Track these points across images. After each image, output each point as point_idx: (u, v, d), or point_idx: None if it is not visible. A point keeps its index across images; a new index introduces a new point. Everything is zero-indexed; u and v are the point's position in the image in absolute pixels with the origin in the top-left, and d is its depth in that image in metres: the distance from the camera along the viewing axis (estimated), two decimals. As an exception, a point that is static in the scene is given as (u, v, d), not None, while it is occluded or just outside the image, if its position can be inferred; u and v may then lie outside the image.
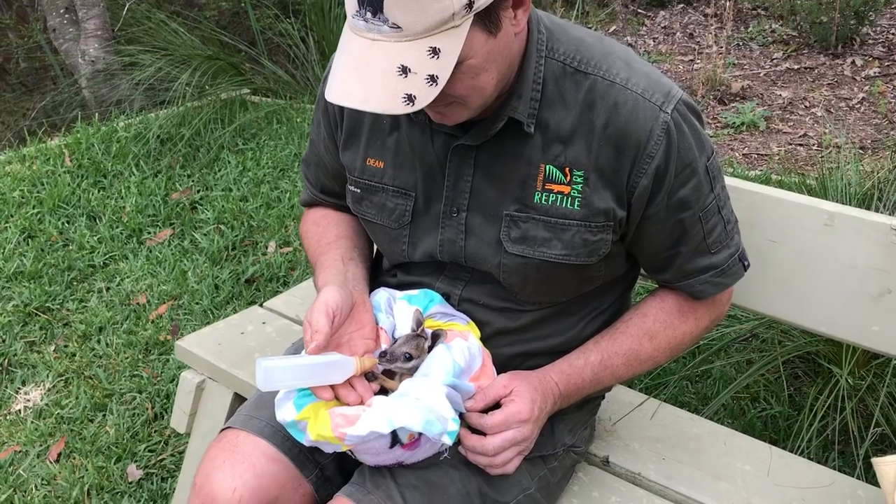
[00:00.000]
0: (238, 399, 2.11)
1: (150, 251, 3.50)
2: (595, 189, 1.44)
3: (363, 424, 1.37)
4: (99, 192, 4.00)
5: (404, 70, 1.19)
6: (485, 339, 1.60)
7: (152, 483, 2.48)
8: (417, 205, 1.56)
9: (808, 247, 1.80)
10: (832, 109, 5.44)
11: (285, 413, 1.48)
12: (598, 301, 1.64)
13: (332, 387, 1.42)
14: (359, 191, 1.63)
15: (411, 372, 1.49)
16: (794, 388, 2.69)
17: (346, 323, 1.49)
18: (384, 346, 1.52)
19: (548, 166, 1.45)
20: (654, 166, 1.41)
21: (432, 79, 1.20)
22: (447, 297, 1.61)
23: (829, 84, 5.80)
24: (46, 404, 2.78)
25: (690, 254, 1.52)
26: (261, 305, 2.37)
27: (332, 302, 1.43)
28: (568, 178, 1.45)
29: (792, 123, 5.29)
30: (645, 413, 2.01)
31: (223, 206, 3.72)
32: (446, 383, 1.44)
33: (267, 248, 3.47)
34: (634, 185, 1.43)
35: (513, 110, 1.42)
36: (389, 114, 1.19)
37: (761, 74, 5.98)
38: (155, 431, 2.66)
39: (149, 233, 3.62)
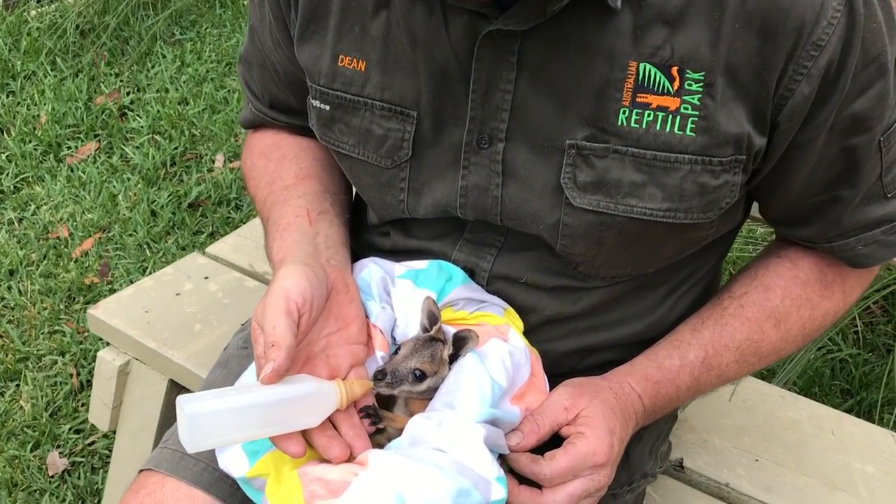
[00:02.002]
0: (175, 388, 1.59)
1: (72, 170, 3.01)
2: (723, 102, 0.88)
3: (356, 498, 0.85)
4: (7, 97, 3.37)
5: None
6: (528, 331, 1.07)
7: (79, 476, 1.99)
8: (422, 130, 1.00)
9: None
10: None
11: (231, 463, 0.97)
12: (692, 267, 1.11)
13: (305, 432, 0.89)
14: (327, 108, 1.06)
15: (424, 397, 0.96)
16: (863, 324, 2.22)
17: (320, 320, 0.95)
18: (380, 355, 0.98)
19: (643, 65, 0.89)
20: (824, 62, 0.86)
21: None
22: (470, 274, 1.06)
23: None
24: (-57, 374, 2.24)
25: (857, 199, 0.98)
26: (202, 252, 1.81)
27: (297, 293, 0.90)
28: (677, 83, 0.89)
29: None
30: (722, 391, 1.51)
31: (158, 111, 3.22)
32: (483, 419, 0.91)
33: (213, 162, 3.03)
34: (787, 93, 0.88)
35: None
36: None
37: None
38: (82, 405, 2.16)
39: (69, 147, 3.12)
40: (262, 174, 1.19)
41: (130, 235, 2.68)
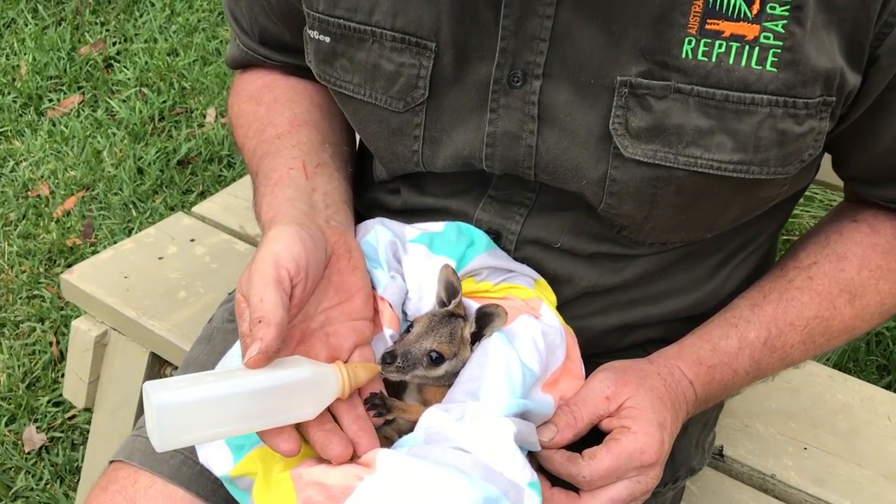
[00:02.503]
0: (157, 362, 1.45)
1: (54, 124, 2.83)
2: (813, 30, 0.72)
3: (360, 506, 0.70)
4: (-14, 46, 3.16)
5: None
6: (562, 306, 0.92)
7: (58, 453, 1.86)
8: (441, 65, 0.84)
9: None
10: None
11: (213, 459, 0.84)
12: (751, 232, 0.96)
13: (299, 426, 0.74)
14: (328, 39, 0.90)
15: (442, 383, 0.81)
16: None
17: (317, 291, 0.80)
18: (389, 334, 0.83)
19: None
20: None
21: None
22: (495, 237, 0.90)
23: None
24: (-87, 342, 2.10)
25: None
26: (187, 211, 1.65)
27: (290, 258, 0.76)
28: (756, 6, 0.73)
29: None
30: (763, 370, 1.36)
31: (146, 62, 3.04)
32: (512, 412, 0.77)
33: (204, 117, 2.86)
34: (893, 19, 0.71)
35: None
36: None
37: None
38: (62, 376, 2.01)
39: (51, 100, 2.95)
40: (251, 121, 1.03)
41: (115, 194, 2.53)
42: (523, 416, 0.80)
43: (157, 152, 2.65)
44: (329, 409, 0.77)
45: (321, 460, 0.77)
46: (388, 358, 0.79)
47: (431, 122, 0.87)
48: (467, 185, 0.91)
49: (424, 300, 0.86)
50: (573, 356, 0.87)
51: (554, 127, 0.81)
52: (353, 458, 0.76)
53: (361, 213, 0.99)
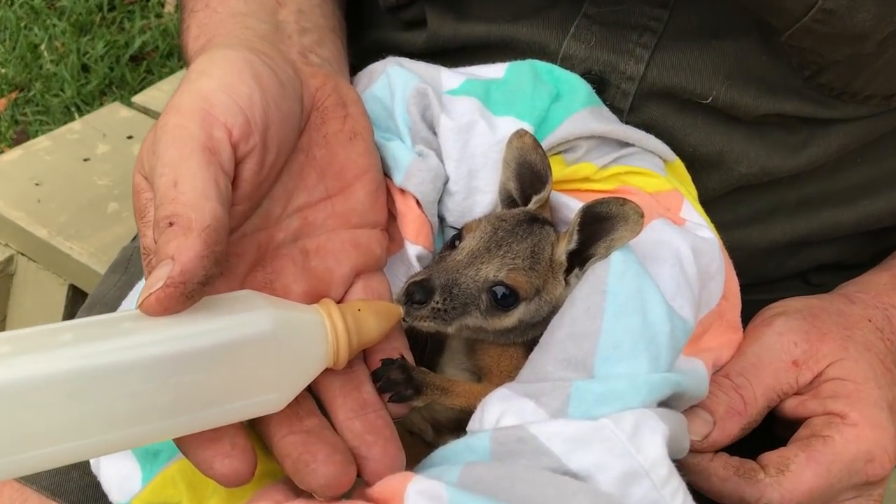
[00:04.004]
0: (81, 297, 1.18)
1: None
2: None
3: None
4: None
5: None
6: (702, 205, 0.56)
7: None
8: None
9: None
10: None
11: (110, 474, 0.50)
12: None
13: (253, 426, 0.42)
14: None
15: (514, 340, 0.48)
16: None
17: (287, 175, 0.50)
18: (415, 253, 0.49)
19: None
20: None
21: None
22: (599, 88, 0.54)
23: None
24: None
25: None
26: (128, 103, 1.32)
27: (229, 107, 0.45)
28: None
29: None
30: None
31: None
32: (656, 395, 0.43)
33: (163, 6, 2.58)
34: None
35: None
36: None
37: None
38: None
39: None
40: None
41: (56, 95, 2.25)
42: (668, 402, 0.44)
43: (105, 46, 2.37)
44: (310, 391, 0.42)
45: (297, 491, 0.41)
46: (418, 293, 0.46)
47: None
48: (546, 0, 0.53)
49: (478, 195, 0.50)
50: (730, 293, 0.51)
51: None
52: (357, 485, 0.41)
53: (357, 66, 0.62)
